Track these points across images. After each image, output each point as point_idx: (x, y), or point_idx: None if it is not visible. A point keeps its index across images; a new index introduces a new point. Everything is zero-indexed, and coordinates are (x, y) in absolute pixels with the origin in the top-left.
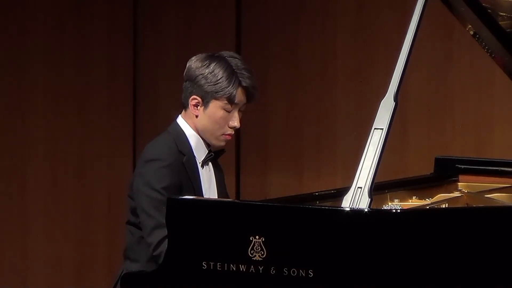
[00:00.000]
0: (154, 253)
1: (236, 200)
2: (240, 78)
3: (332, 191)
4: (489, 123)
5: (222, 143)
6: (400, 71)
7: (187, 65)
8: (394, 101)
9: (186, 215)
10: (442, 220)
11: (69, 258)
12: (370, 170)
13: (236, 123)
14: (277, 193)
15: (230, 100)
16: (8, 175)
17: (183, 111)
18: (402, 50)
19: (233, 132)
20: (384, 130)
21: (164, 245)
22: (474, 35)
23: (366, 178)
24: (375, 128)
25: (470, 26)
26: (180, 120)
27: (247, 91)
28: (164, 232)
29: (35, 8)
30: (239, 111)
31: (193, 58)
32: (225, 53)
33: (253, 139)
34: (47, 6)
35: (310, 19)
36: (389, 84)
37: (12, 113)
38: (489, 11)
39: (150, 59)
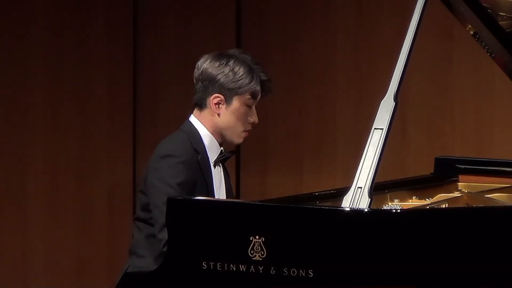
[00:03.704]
0: (164, 249)
1: (236, 200)
2: (258, 73)
3: (332, 191)
4: (489, 123)
5: (241, 140)
6: (400, 71)
7: (200, 66)
8: (394, 101)
9: (186, 215)
10: (442, 220)
11: (69, 258)
12: (370, 170)
13: (256, 118)
14: (277, 193)
15: (254, 95)
16: (8, 175)
17: (196, 111)
18: (402, 50)
19: (251, 129)
20: (384, 130)
21: None
22: (474, 35)
23: (366, 178)
24: (375, 128)
25: (470, 26)
26: (194, 120)
27: (264, 85)
28: None
29: (35, 9)
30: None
31: (202, 59)
32: (234, 51)
33: (253, 139)
34: (47, 6)
35: (310, 19)
36: (389, 84)
37: (12, 113)
38: (489, 11)
39: (150, 61)
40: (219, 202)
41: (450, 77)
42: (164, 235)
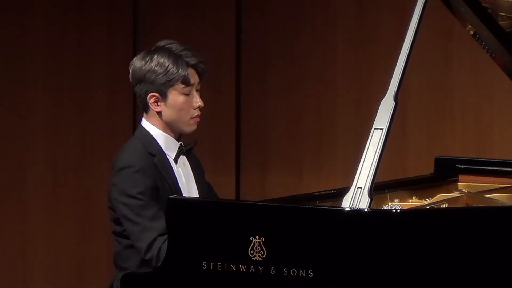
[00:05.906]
0: (146, 258)
1: (236, 200)
2: (185, 59)
3: (332, 191)
4: (489, 123)
5: (194, 127)
6: (400, 71)
7: (130, 70)
8: (394, 101)
9: (186, 215)
10: (442, 220)
11: (69, 258)
12: (370, 170)
13: (199, 103)
14: (277, 193)
15: (186, 82)
16: (8, 175)
17: (144, 114)
18: (402, 50)
19: (199, 113)
20: (384, 130)
21: (155, 248)
22: (474, 35)
23: (366, 178)
24: (375, 128)
25: (470, 26)
26: (145, 123)
27: (197, 68)
28: (151, 235)
29: (35, 8)
30: (197, 91)
31: (131, 62)
32: (161, 43)
33: (253, 139)
34: (47, 6)
35: (310, 19)
36: (389, 84)
37: (12, 112)
38: (489, 11)
39: None
40: (219, 202)
41: (450, 77)
42: (142, 243)
